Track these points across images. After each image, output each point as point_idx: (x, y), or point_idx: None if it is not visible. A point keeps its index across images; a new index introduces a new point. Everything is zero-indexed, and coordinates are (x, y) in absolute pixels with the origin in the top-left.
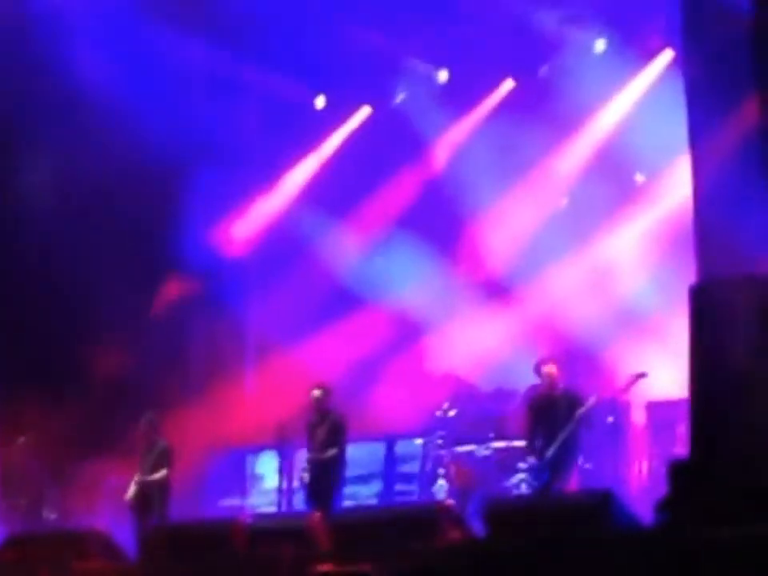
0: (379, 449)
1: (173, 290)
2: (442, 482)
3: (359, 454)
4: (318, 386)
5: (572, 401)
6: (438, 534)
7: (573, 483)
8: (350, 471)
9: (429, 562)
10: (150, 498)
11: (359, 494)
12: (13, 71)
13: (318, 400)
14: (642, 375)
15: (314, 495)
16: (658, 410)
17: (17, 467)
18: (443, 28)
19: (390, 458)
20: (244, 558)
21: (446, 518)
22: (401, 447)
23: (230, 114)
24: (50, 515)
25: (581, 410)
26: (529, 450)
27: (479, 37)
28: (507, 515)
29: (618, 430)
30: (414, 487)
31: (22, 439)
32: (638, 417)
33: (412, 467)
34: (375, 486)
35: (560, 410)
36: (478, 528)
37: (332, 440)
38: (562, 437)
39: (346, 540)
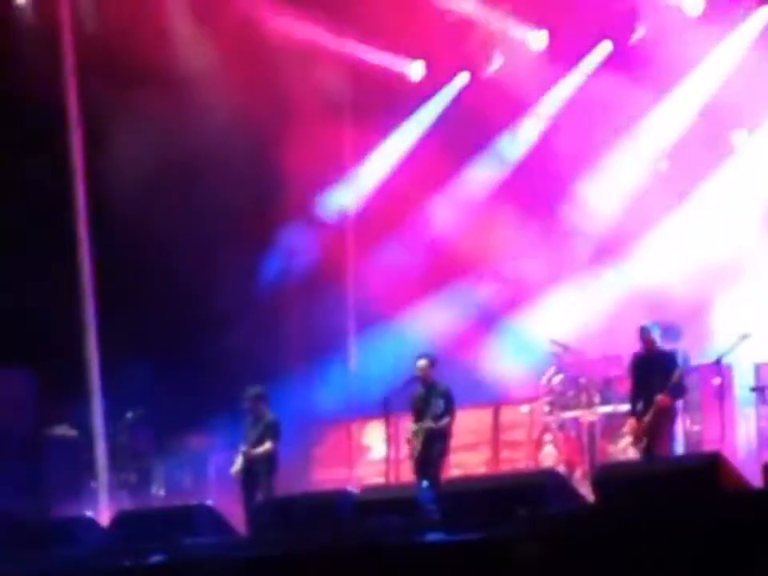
0: (486, 416)
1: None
2: (549, 448)
3: (466, 422)
4: (424, 356)
5: (668, 363)
6: (547, 501)
7: (674, 447)
8: (457, 439)
9: (538, 529)
10: (256, 471)
11: (466, 462)
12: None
13: (423, 370)
14: (746, 336)
15: (422, 465)
16: (764, 371)
17: (125, 442)
18: None
19: (497, 425)
20: (351, 528)
21: (554, 485)
22: (507, 414)
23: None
24: (159, 491)
25: (674, 376)
26: (630, 413)
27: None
28: (616, 481)
29: (725, 392)
30: (521, 454)
31: (129, 414)
32: (745, 378)
33: (519, 434)
34: (482, 454)
35: (656, 373)
36: (585, 494)
37: (442, 410)
38: (655, 403)
39: (454, 509)
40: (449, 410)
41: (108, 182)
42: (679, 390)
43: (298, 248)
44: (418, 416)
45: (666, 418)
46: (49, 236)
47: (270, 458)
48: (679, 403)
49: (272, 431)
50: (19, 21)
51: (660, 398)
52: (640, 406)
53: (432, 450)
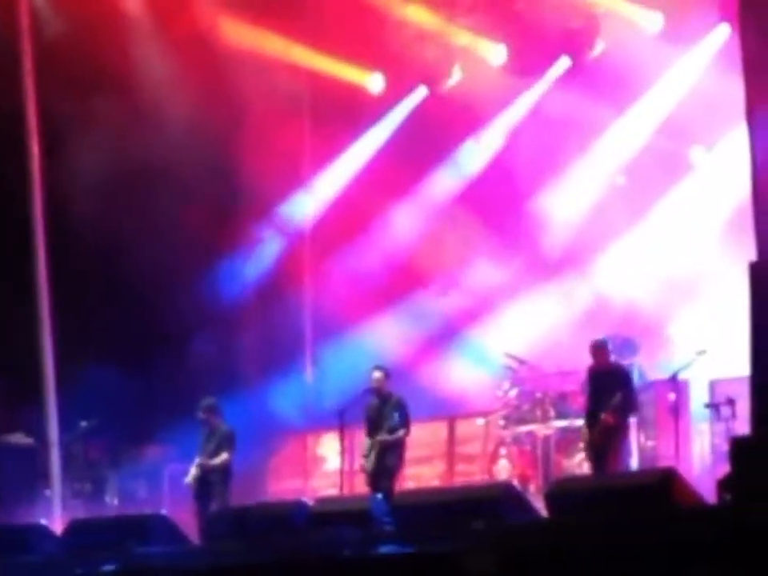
0: (441, 429)
1: None
2: (503, 462)
3: (421, 434)
4: (378, 368)
5: (618, 379)
6: (501, 514)
7: (628, 462)
8: (412, 452)
9: (492, 542)
10: (210, 482)
11: (421, 475)
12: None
13: (378, 381)
14: (702, 352)
15: (376, 477)
16: (719, 387)
17: (79, 451)
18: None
19: (452, 439)
20: (306, 539)
21: (508, 499)
22: (462, 427)
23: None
24: (113, 500)
25: (618, 393)
26: (586, 423)
27: (536, 15)
28: (569, 495)
29: (680, 408)
30: (475, 468)
31: (84, 423)
32: (700, 395)
33: (474, 448)
34: (437, 467)
35: (607, 389)
36: (540, 508)
37: (396, 422)
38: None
39: (409, 521)
40: (403, 422)
41: (65, 190)
42: (627, 408)
43: (257, 257)
44: (372, 428)
45: (613, 435)
46: (4, 244)
47: (226, 469)
48: (630, 419)
49: (227, 442)
50: None
51: (603, 416)
52: (593, 419)
53: (386, 462)
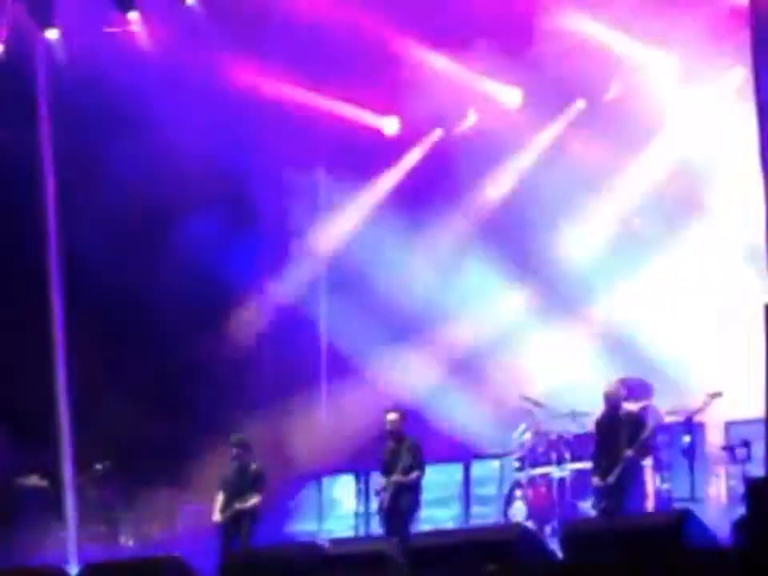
0: (456, 471)
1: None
2: (519, 503)
3: (436, 477)
4: (394, 410)
5: (634, 424)
6: (516, 556)
7: (645, 505)
8: (427, 494)
9: None
10: (240, 524)
11: (436, 517)
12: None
13: (393, 423)
14: (717, 395)
15: (390, 519)
16: (734, 429)
17: (94, 494)
18: (517, 48)
19: (467, 480)
20: None
21: (524, 541)
22: (478, 469)
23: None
24: (128, 541)
25: (642, 434)
26: (593, 472)
27: (551, 57)
28: (584, 537)
29: (695, 450)
30: (491, 509)
31: (98, 466)
32: (715, 437)
33: (489, 489)
34: (452, 509)
35: (623, 434)
36: (555, 550)
37: (411, 464)
38: (622, 461)
39: (423, 563)
40: (418, 463)
41: (80, 231)
42: (645, 449)
43: (272, 296)
44: (388, 469)
45: (631, 476)
46: (19, 286)
47: (255, 512)
48: (645, 461)
49: (259, 483)
50: None
51: (628, 453)
52: (604, 465)
53: (400, 504)
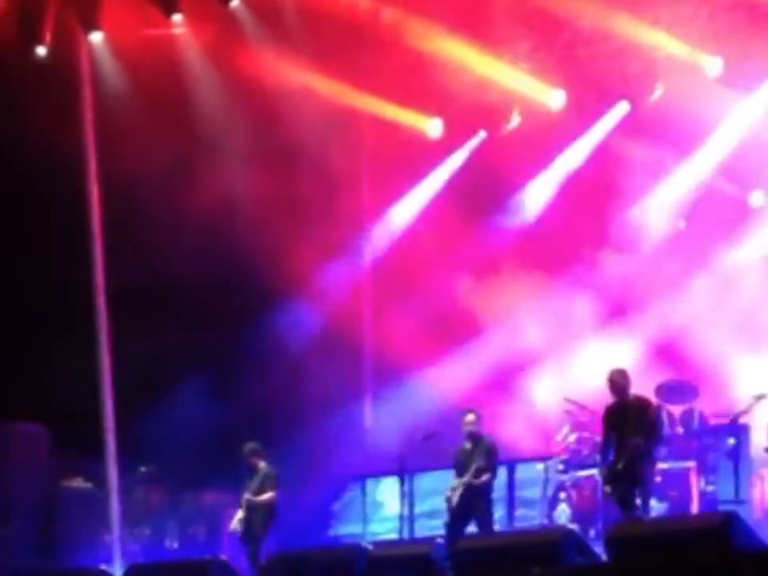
0: (500, 474)
1: None
2: (563, 506)
3: None
4: (471, 411)
5: (641, 410)
6: (560, 558)
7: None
8: None
9: None
10: (254, 521)
11: None
12: None
13: (471, 424)
14: (762, 396)
15: (458, 519)
16: None
17: (139, 496)
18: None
19: (512, 483)
20: None
21: (568, 543)
22: (522, 472)
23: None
24: (172, 544)
25: (648, 418)
26: (602, 459)
27: (595, 59)
28: (628, 539)
29: (740, 453)
30: (535, 512)
31: (143, 468)
32: (760, 438)
33: (533, 492)
34: (497, 512)
35: (629, 420)
36: (599, 552)
37: (484, 466)
38: (630, 446)
39: (469, 566)
40: (491, 465)
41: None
42: (653, 432)
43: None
44: (460, 470)
45: (641, 463)
46: (65, 291)
47: (270, 507)
48: (659, 449)
49: (270, 481)
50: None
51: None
52: (612, 455)
53: (470, 505)
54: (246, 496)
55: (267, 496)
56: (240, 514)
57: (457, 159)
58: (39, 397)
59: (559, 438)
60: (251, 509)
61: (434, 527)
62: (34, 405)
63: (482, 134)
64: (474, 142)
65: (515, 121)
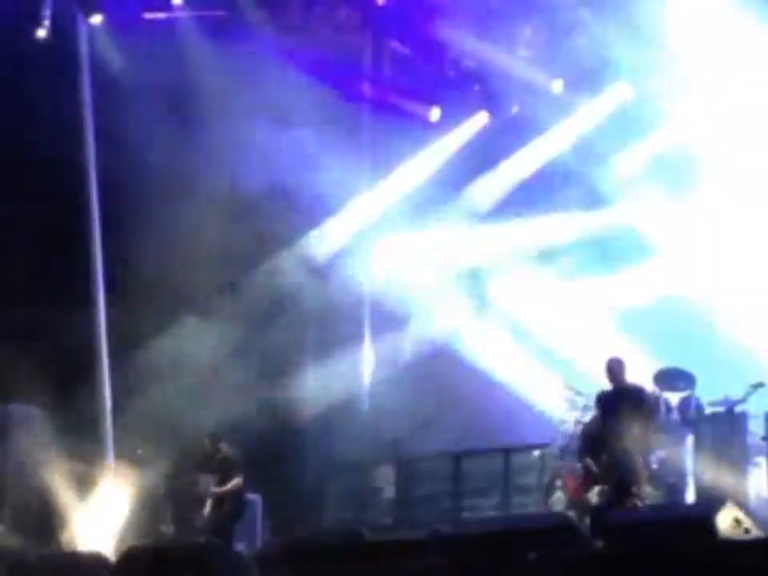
0: (497, 460)
1: None
2: (559, 493)
3: (477, 466)
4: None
5: (638, 395)
6: (555, 545)
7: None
8: (469, 483)
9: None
10: (223, 509)
11: (478, 506)
12: None
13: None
14: (759, 385)
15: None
16: None
17: (134, 480)
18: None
19: (507, 470)
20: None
21: (564, 530)
22: (518, 459)
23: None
24: (168, 528)
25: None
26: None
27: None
28: (624, 526)
29: (736, 440)
30: (531, 499)
31: (139, 452)
32: (756, 427)
33: (529, 479)
34: (493, 498)
35: (624, 407)
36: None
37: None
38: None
39: (463, 552)
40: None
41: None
42: (649, 420)
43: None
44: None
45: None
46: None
47: (238, 493)
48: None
49: (233, 469)
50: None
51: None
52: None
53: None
54: (212, 489)
55: (235, 482)
56: (208, 506)
57: (456, 141)
58: None
59: (556, 424)
60: (221, 498)
61: None
62: None
63: (482, 117)
64: (473, 126)
65: (515, 106)
